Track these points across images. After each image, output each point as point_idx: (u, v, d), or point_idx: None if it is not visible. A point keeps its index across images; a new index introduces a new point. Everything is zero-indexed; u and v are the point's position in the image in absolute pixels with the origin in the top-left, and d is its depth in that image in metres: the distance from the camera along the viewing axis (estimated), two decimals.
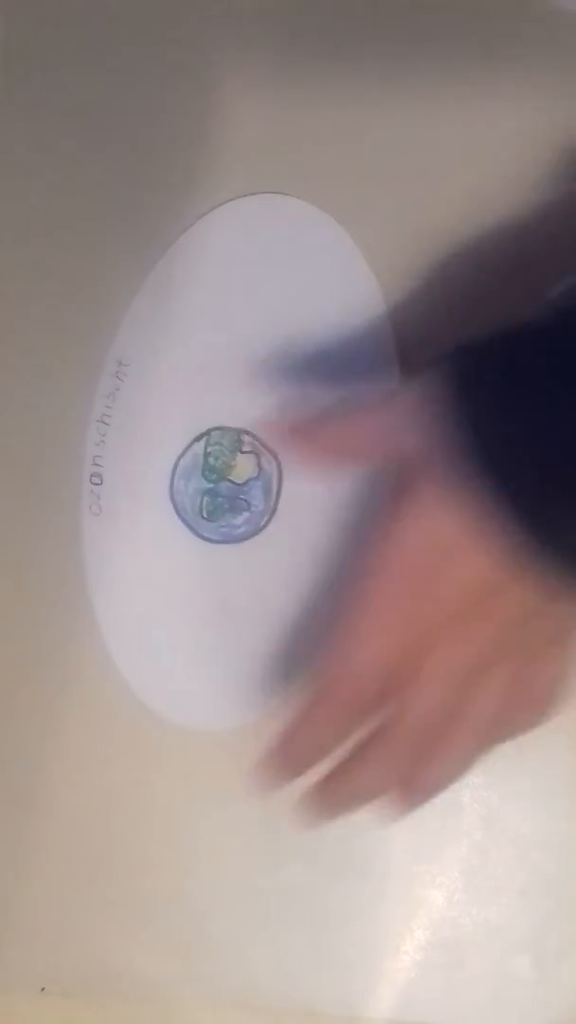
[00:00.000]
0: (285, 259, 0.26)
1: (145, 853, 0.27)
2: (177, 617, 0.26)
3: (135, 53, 0.26)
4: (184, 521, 0.26)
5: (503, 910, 0.26)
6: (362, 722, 0.22)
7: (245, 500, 0.26)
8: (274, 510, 0.26)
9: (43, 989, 0.27)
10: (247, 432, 0.26)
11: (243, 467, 0.26)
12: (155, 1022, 0.26)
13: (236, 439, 0.26)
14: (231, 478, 0.26)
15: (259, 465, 0.26)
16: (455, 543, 0.20)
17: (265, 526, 0.26)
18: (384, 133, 0.25)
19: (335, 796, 0.22)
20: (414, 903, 0.26)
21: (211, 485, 0.26)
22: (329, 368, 0.25)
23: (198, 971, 0.26)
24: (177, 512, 0.26)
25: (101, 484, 0.26)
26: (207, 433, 0.26)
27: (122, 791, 0.27)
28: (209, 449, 0.26)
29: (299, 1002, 0.26)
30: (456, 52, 0.25)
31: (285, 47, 0.26)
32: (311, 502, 0.26)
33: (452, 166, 0.25)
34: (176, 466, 0.26)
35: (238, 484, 0.26)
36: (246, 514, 0.26)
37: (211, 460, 0.26)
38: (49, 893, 0.27)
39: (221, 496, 0.26)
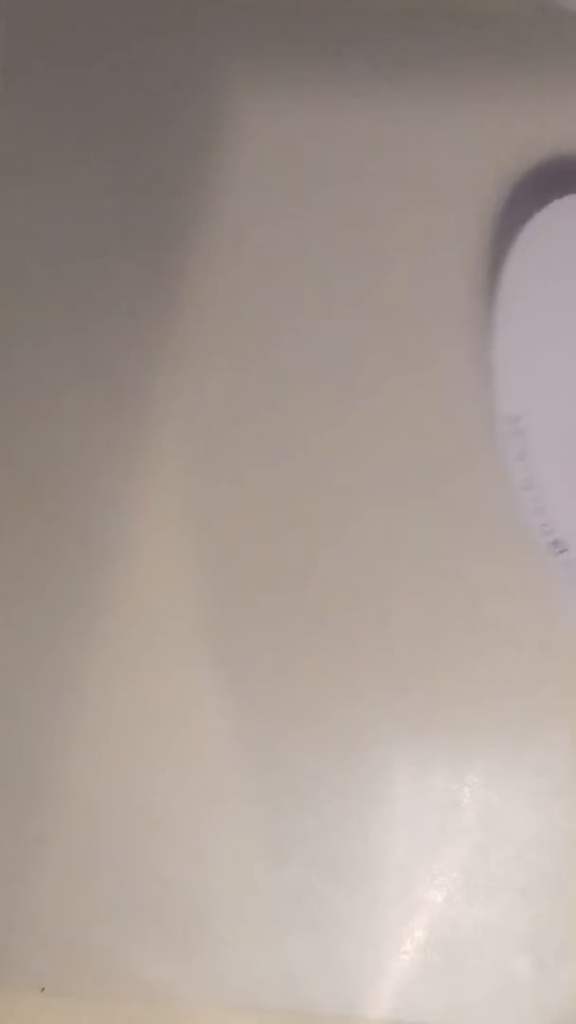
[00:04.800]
0: None
1: (145, 853, 0.27)
2: None
3: (138, 53, 0.26)
4: None
5: (503, 910, 0.26)
6: None
7: None
8: None
9: (43, 989, 0.27)
10: None
11: None
12: (155, 1022, 0.26)
13: None
14: None
15: None
16: None
17: None
18: None
19: None
20: (414, 903, 0.26)
21: None
22: None
23: (198, 971, 0.26)
24: None
25: (567, 550, 0.24)
26: None
27: (123, 790, 0.27)
28: None
29: (299, 1002, 0.26)
30: None
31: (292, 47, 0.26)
32: None
33: None
34: None
35: None
36: None
37: None
38: (49, 893, 0.27)
39: None
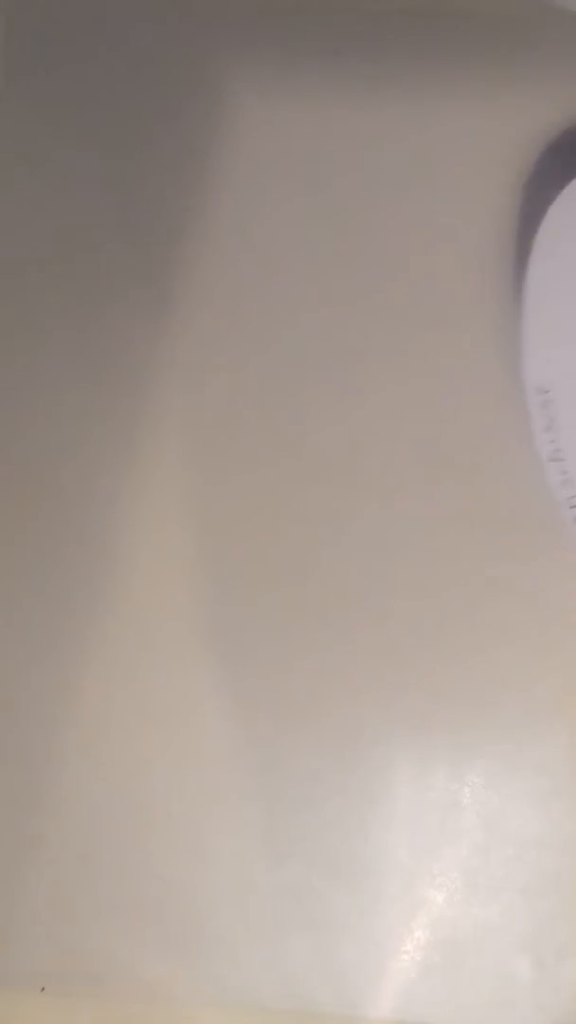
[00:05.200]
0: None
1: (145, 853, 0.27)
2: None
3: (139, 54, 0.26)
4: None
5: (503, 910, 0.26)
6: None
7: None
8: None
9: (43, 989, 0.27)
10: None
11: None
12: (155, 1022, 0.26)
13: None
14: None
15: None
16: None
17: None
18: None
19: None
20: (414, 903, 0.26)
21: None
22: None
23: (198, 971, 0.26)
24: None
25: None
26: None
27: (123, 790, 0.27)
28: None
29: (299, 1002, 0.26)
30: None
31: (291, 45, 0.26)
32: None
33: None
34: None
35: None
36: None
37: None
38: (49, 893, 0.27)
39: None
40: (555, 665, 0.26)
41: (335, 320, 0.26)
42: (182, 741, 0.26)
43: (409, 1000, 0.26)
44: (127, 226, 0.27)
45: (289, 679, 0.26)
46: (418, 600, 0.26)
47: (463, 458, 0.26)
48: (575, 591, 0.25)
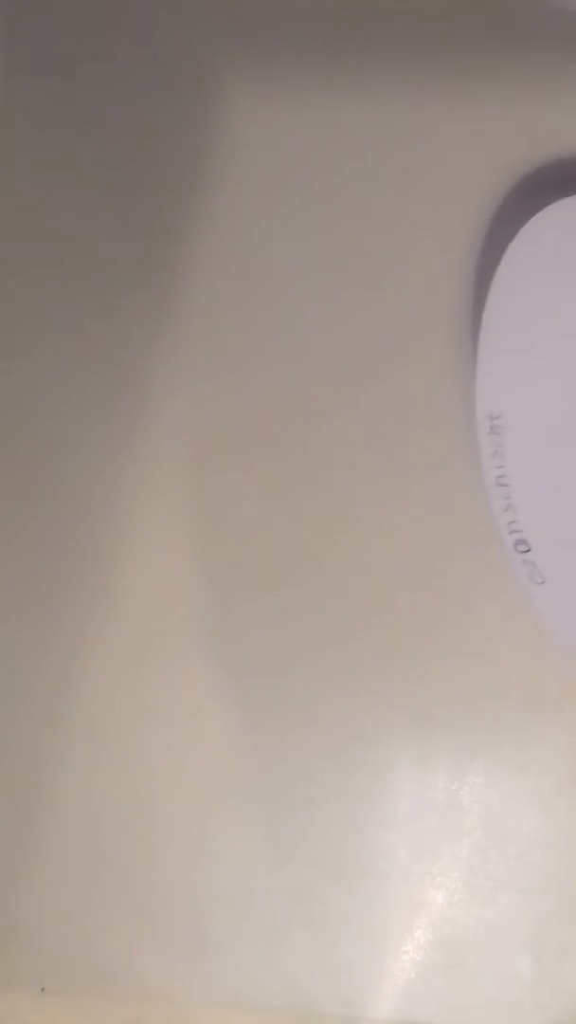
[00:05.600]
0: None
1: (145, 852, 0.27)
2: None
3: (138, 55, 0.26)
4: None
5: (503, 910, 0.26)
6: None
7: None
8: None
9: (43, 989, 0.27)
10: None
11: None
12: (155, 1022, 0.27)
13: None
14: None
15: None
16: None
17: None
18: None
19: None
20: (414, 903, 0.26)
21: None
22: None
23: (198, 971, 0.26)
24: None
25: (530, 550, 0.24)
26: None
27: (123, 790, 0.27)
28: None
29: (299, 1002, 0.26)
30: None
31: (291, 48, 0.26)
32: None
33: None
34: None
35: None
36: None
37: None
38: (49, 892, 0.27)
39: None
40: (555, 666, 0.26)
41: (331, 320, 0.26)
42: (182, 741, 0.26)
43: (409, 1000, 0.26)
44: (127, 226, 0.27)
45: (289, 679, 0.26)
46: (417, 601, 0.26)
47: (453, 458, 0.26)
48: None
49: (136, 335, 0.26)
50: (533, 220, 0.23)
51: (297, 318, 0.26)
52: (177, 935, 0.26)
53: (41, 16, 0.27)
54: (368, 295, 0.26)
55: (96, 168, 0.27)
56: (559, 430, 0.24)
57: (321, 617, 0.26)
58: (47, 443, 0.27)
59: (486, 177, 0.25)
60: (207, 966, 0.26)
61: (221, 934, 0.26)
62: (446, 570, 0.26)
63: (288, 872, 0.26)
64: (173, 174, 0.26)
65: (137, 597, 0.27)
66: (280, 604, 0.26)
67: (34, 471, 0.27)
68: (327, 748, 0.26)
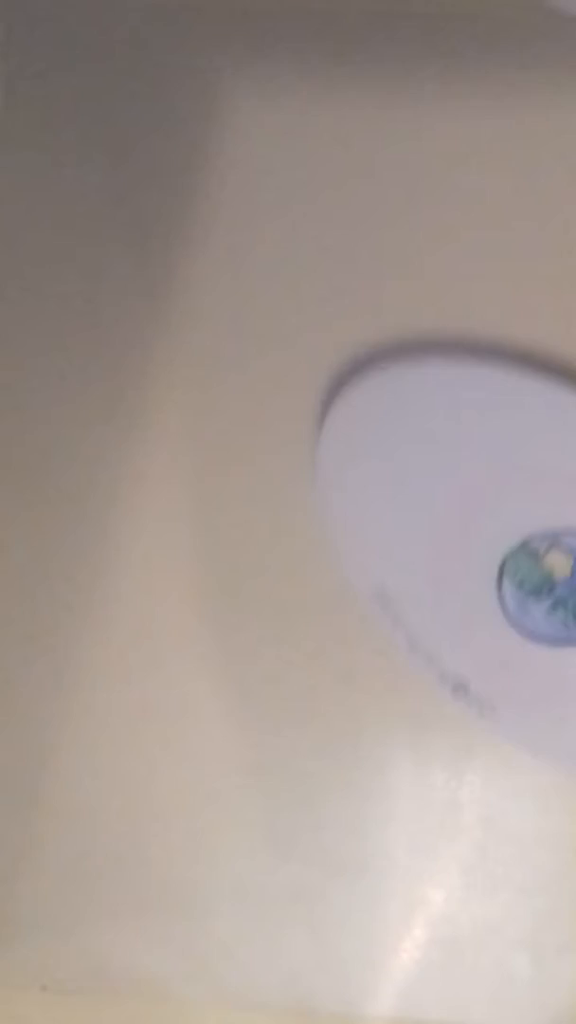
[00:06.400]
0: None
1: (146, 851, 0.27)
2: None
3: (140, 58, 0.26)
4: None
5: (502, 908, 0.26)
6: None
7: None
8: None
9: (44, 987, 0.27)
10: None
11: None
12: (155, 1021, 0.27)
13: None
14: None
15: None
16: None
17: None
18: None
19: None
20: (413, 901, 0.26)
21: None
22: None
23: (198, 970, 0.26)
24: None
25: (469, 687, 0.24)
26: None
27: (123, 789, 0.27)
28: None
29: (299, 1001, 0.26)
30: None
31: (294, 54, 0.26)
32: None
33: None
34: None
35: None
36: None
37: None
38: (50, 892, 0.27)
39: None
40: None
41: (333, 320, 0.26)
42: (182, 740, 0.26)
43: (408, 998, 0.26)
44: (128, 228, 0.26)
45: (289, 679, 0.26)
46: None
47: None
48: None
49: (137, 335, 0.26)
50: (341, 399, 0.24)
51: (304, 311, 0.26)
52: (177, 934, 0.27)
53: (41, 17, 0.27)
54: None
55: (96, 168, 0.26)
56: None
57: (321, 617, 0.26)
58: (47, 445, 0.27)
59: (489, 174, 0.25)
60: (207, 964, 0.27)
61: (221, 932, 0.26)
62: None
63: (288, 870, 0.26)
64: (174, 175, 0.26)
65: (137, 598, 0.26)
66: (280, 604, 0.26)
67: (34, 471, 0.27)
68: (327, 748, 0.26)
